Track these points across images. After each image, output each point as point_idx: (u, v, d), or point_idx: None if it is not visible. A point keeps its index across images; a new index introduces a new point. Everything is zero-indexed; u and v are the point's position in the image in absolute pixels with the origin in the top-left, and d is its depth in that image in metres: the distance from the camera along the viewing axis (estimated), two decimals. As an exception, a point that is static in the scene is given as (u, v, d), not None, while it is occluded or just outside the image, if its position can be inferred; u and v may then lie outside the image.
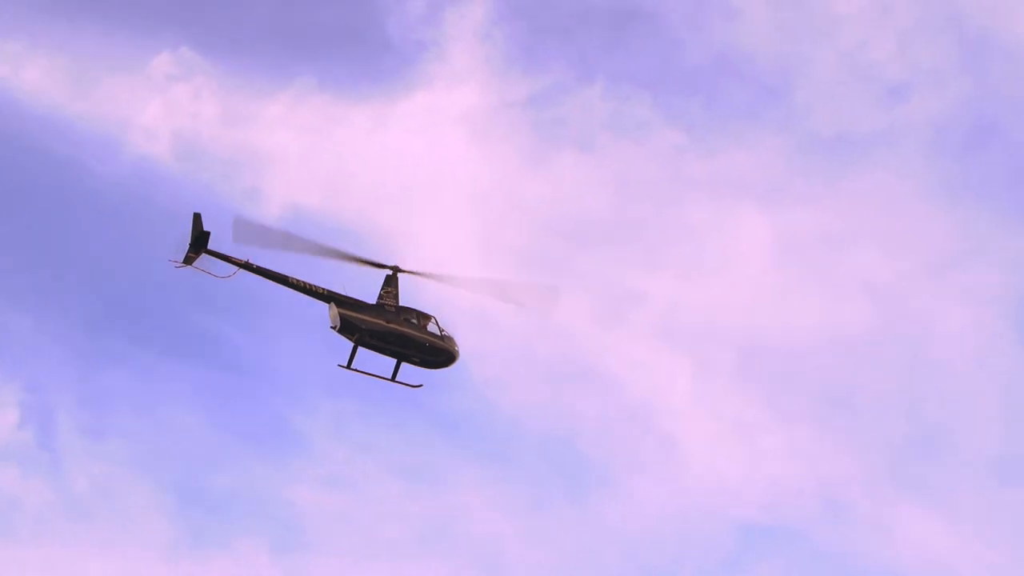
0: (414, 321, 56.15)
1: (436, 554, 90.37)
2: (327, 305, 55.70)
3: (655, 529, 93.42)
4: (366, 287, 57.64)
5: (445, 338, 56.73)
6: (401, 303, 57.64)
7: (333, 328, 55.44)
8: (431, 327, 56.47)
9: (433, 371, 57.71)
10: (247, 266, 54.14)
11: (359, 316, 55.21)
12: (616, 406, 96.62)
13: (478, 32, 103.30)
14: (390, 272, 56.91)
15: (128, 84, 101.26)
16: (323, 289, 55.40)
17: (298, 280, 55.16)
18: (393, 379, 56.80)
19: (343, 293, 56.02)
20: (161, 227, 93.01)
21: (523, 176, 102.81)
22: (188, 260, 53.96)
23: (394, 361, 57.11)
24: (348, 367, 55.93)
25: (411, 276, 57.54)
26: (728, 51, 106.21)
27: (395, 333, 55.59)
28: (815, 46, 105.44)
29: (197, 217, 53.99)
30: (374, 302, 56.33)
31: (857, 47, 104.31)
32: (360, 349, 56.25)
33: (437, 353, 56.61)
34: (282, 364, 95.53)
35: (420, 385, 57.44)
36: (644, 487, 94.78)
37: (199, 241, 53.55)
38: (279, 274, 54.71)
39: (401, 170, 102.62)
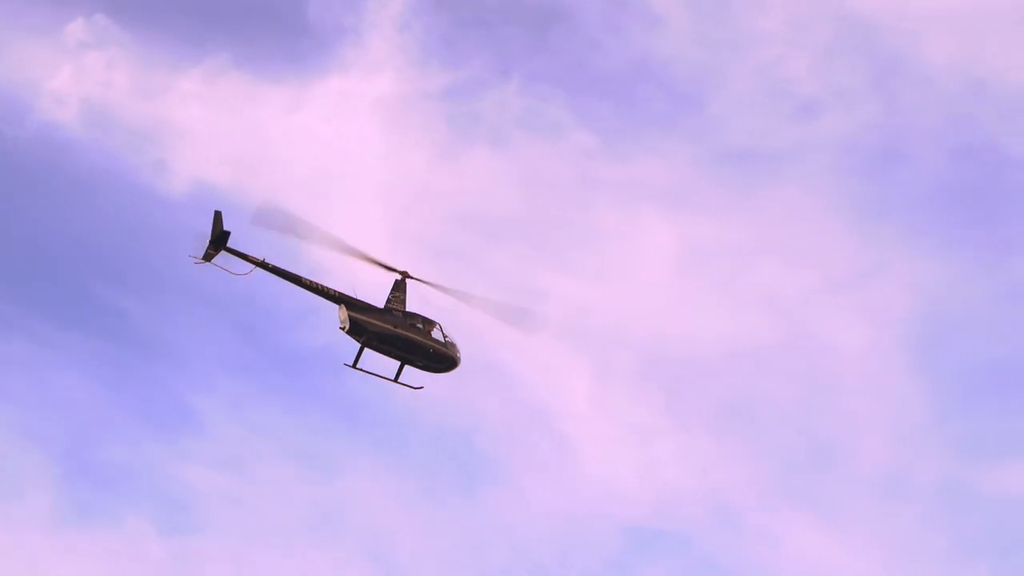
0: (420, 327, 58.06)
1: (325, 540, 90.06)
2: (337, 306, 57.51)
3: (545, 528, 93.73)
4: (376, 291, 59.60)
5: (448, 344, 58.73)
6: (408, 307, 59.64)
7: (342, 329, 57.22)
8: (435, 333, 58.43)
9: (434, 375, 59.70)
10: (263, 265, 55.59)
11: (367, 319, 56.96)
12: (515, 404, 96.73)
13: (398, 21, 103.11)
14: (399, 277, 58.74)
15: (40, 49, 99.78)
16: (335, 291, 57.01)
17: (311, 281, 56.79)
18: (396, 380, 58.69)
19: (353, 296, 57.69)
20: (65, 193, 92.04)
21: (434, 168, 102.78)
22: (207, 257, 55.31)
23: (398, 363, 58.99)
24: (354, 366, 57.71)
25: (421, 284, 59.53)
26: (646, 57, 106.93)
27: (401, 337, 57.46)
28: (732, 59, 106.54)
29: (218, 215, 55.33)
30: (383, 306, 58.16)
31: (773, 63, 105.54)
32: (366, 350, 58.17)
33: (440, 358, 58.63)
34: (182, 341, 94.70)
35: (421, 387, 59.39)
36: (537, 486, 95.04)
37: (219, 239, 54.92)
38: (293, 274, 56.26)
39: (312, 154, 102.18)
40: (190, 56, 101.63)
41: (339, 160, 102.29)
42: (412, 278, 58.95)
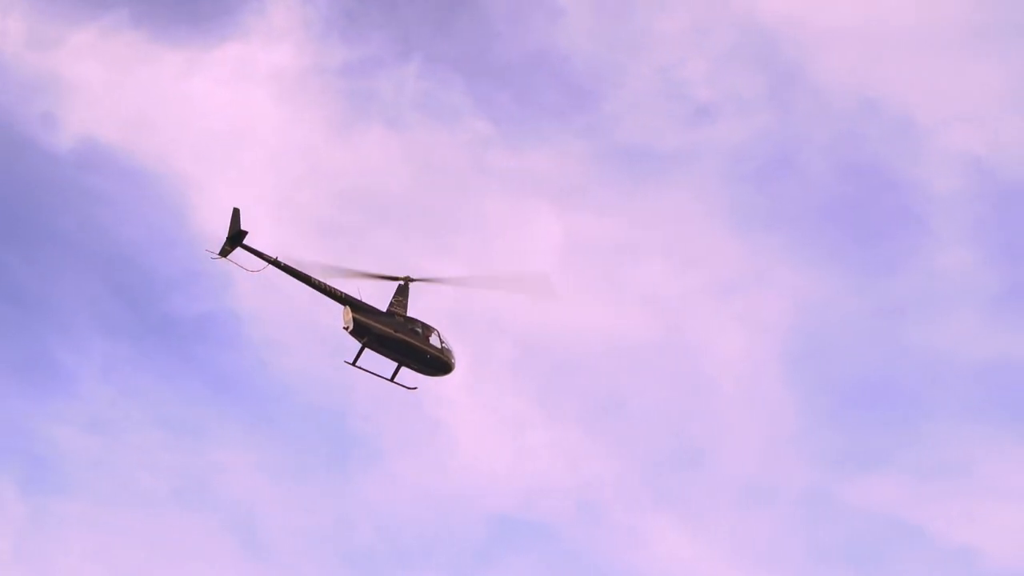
0: (419, 331, 60.40)
1: (190, 509, 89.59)
2: (342, 308, 59.48)
3: (412, 512, 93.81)
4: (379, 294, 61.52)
5: (444, 350, 61.05)
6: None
7: (346, 329, 59.25)
8: (433, 339, 60.81)
9: (428, 377, 62.00)
10: (275, 263, 57.45)
11: (370, 322, 59.09)
12: (390, 387, 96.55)
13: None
14: (402, 282, 61.07)
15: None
16: (342, 292, 59.12)
17: (320, 281, 58.59)
18: (392, 380, 60.98)
19: (358, 298, 59.74)
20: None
21: (327, 144, 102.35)
22: (224, 252, 56.95)
23: (395, 364, 61.20)
24: (353, 364, 59.97)
25: (423, 283, 61.84)
26: (547, 49, 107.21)
27: (400, 341, 59.80)
28: (631, 58, 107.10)
29: (236, 213, 56.83)
30: (385, 309, 60.25)
31: (672, 65, 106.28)
32: (366, 350, 60.31)
33: (435, 363, 60.97)
34: (58, 298, 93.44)
35: (415, 388, 61.82)
36: (408, 469, 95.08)
37: (236, 237, 56.63)
38: (303, 273, 58.12)
39: (205, 119, 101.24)
40: (88, 10, 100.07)
41: (231, 128, 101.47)
42: (415, 280, 61.24)
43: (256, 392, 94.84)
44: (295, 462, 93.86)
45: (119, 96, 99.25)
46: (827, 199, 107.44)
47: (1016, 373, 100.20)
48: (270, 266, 57.76)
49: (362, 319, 59.24)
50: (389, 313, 60.28)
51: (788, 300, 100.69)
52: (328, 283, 59.03)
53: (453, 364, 61.82)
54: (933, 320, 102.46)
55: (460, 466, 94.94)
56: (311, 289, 59.17)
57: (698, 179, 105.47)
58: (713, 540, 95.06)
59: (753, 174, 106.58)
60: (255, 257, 57.67)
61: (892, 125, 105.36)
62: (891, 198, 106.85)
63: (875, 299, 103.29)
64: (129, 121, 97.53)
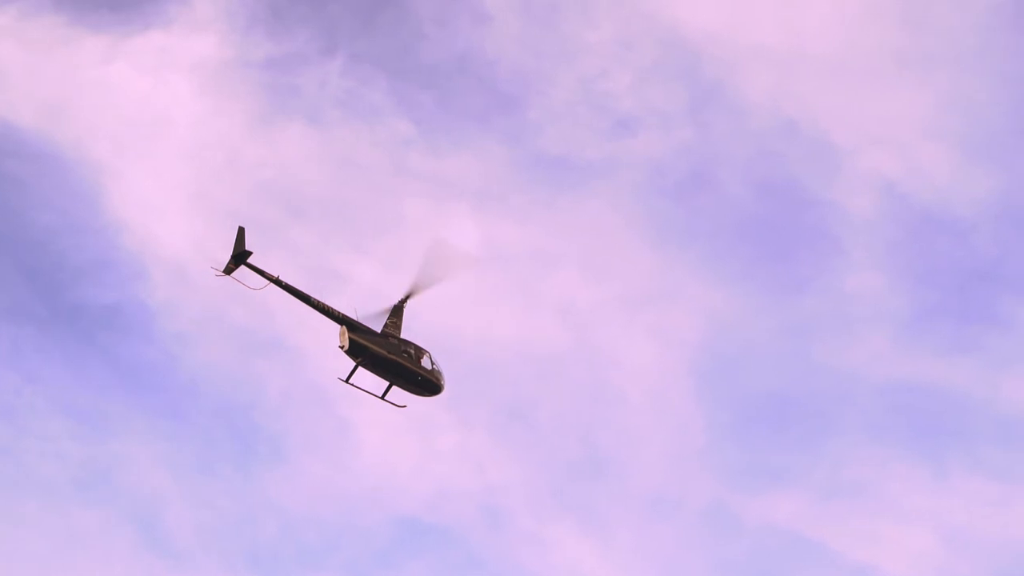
0: (411, 353, 62.27)
1: (92, 500, 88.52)
2: (339, 327, 60.99)
3: (317, 510, 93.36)
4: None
5: (434, 372, 62.93)
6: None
7: (341, 348, 60.80)
8: (424, 361, 62.70)
9: (417, 397, 63.79)
10: (277, 281, 59.07)
11: (365, 343, 60.85)
12: (300, 384, 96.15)
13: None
14: (397, 302, 63.16)
15: None
16: (340, 312, 60.70)
17: (319, 301, 60.23)
18: (382, 398, 62.77)
19: (355, 319, 61.24)
20: None
21: (247, 138, 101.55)
22: (228, 270, 58.52)
23: (386, 383, 62.85)
24: (346, 381, 61.62)
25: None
26: (472, 53, 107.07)
27: (393, 363, 61.62)
28: (556, 66, 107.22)
29: (241, 232, 58.59)
30: (380, 330, 62.00)
31: (596, 76, 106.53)
32: (359, 369, 61.91)
33: (425, 385, 62.84)
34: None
35: (404, 406, 63.49)
36: (314, 468, 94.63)
37: (240, 256, 58.19)
38: (303, 293, 59.81)
39: (124, 107, 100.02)
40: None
41: (150, 117, 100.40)
42: (407, 299, 63.33)
43: (164, 385, 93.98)
44: (200, 457, 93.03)
45: (36, 80, 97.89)
46: (743, 216, 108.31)
47: (919, 397, 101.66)
48: (271, 284, 59.37)
49: (358, 339, 60.95)
50: (383, 334, 62.17)
51: (700, 315, 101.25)
52: (327, 304, 60.63)
53: (442, 386, 63.70)
54: (842, 341, 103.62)
55: (366, 466, 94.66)
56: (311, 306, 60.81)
57: (616, 191, 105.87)
58: (616, 550, 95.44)
59: (671, 188, 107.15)
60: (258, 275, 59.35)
61: (810, 146, 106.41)
62: (806, 218, 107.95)
63: (786, 317, 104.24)
64: (46, 105, 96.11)
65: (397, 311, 63.15)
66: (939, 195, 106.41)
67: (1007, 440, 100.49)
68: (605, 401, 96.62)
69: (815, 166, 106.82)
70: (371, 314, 62.78)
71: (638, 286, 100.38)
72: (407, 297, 63.51)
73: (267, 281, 59.04)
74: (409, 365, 62.45)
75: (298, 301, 60.53)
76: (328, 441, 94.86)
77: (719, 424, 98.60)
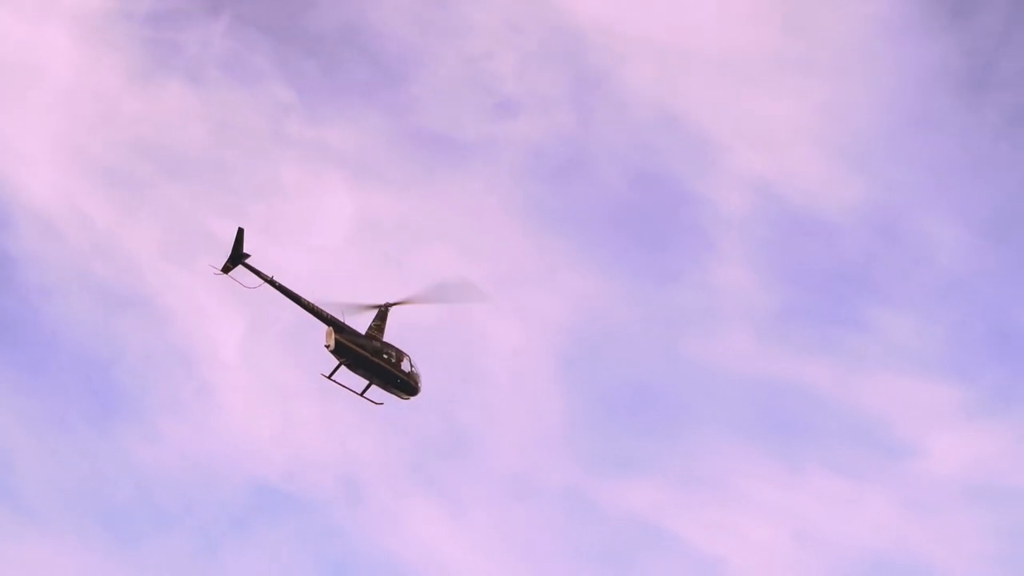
0: (392, 356, 65.16)
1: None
2: (326, 328, 63.87)
3: (174, 472, 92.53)
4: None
5: (412, 375, 65.88)
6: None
7: (327, 347, 63.71)
8: (404, 364, 65.60)
9: (394, 397, 66.63)
10: (271, 282, 62.01)
11: (350, 344, 63.78)
12: (162, 344, 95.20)
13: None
14: (382, 308, 65.92)
15: None
16: (328, 314, 63.67)
17: (309, 301, 63.22)
18: (361, 395, 65.68)
19: (342, 320, 64.20)
20: None
21: (125, 92, 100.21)
22: (226, 269, 61.47)
23: (366, 382, 65.75)
24: (328, 378, 64.79)
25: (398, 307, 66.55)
26: (359, 24, 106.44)
27: (374, 364, 64.54)
28: (442, 44, 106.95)
29: (240, 233, 61.27)
30: (365, 332, 64.93)
31: (481, 56, 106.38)
32: (342, 368, 64.85)
33: (404, 386, 65.80)
34: None
35: (382, 403, 66.34)
36: (173, 429, 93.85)
37: (238, 257, 61.22)
38: (295, 293, 62.81)
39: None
40: None
41: (26, 65, 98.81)
42: (393, 305, 66.07)
43: (24, 338, 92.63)
44: (57, 412, 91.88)
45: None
46: (618, 206, 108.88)
47: (778, 394, 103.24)
48: (265, 284, 62.05)
49: (343, 341, 63.66)
50: (368, 336, 64.87)
51: (569, 300, 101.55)
52: (317, 305, 63.34)
53: (420, 388, 66.48)
54: (707, 335, 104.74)
55: (226, 431, 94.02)
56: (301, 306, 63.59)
57: (495, 172, 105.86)
58: (471, 529, 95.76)
59: (548, 173, 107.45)
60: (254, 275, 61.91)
61: (688, 141, 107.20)
62: (680, 212, 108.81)
63: (654, 308, 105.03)
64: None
65: (382, 315, 65.92)
66: (810, 198, 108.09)
67: (860, 440, 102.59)
68: (470, 380, 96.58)
69: (692, 161, 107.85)
70: (355, 313, 65.49)
71: (510, 268, 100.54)
72: (393, 303, 66.26)
73: (262, 281, 61.92)
74: (389, 367, 65.17)
75: (292, 302, 63.54)
76: (188, 403, 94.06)
77: (581, 409, 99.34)
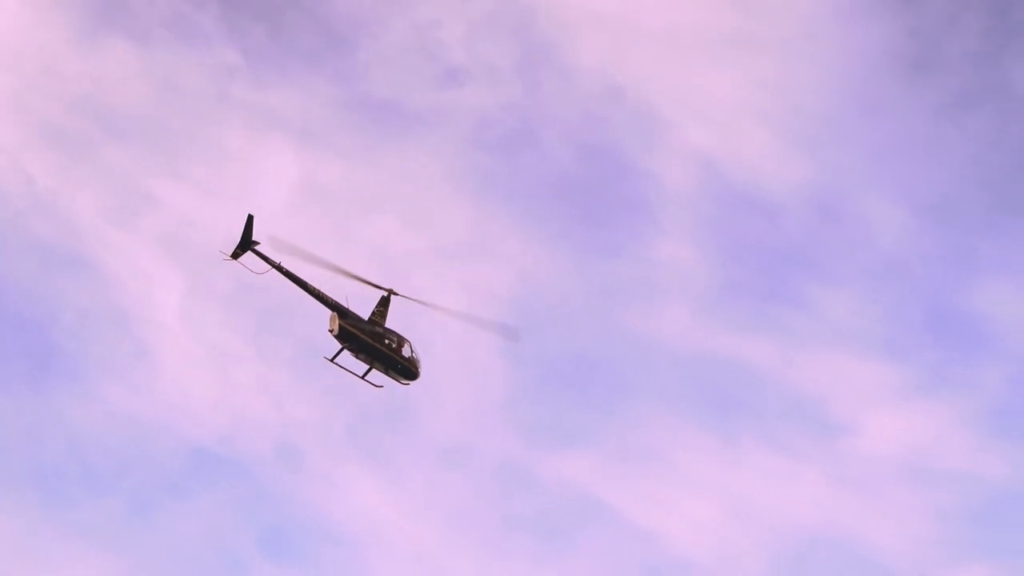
0: (394, 342, 66.83)
1: None
2: (330, 313, 65.50)
3: (110, 434, 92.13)
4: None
5: (412, 360, 67.63)
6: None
7: (331, 332, 65.46)
8: (405, 349, 67.35)
9: (393, 381, 68.31)
10: (279, 268, 63.74)
11: (353, 330, 65.43)
12: (101, 305, 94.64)
13: None
14: (385, 294, 67.04)
15: None
16: (332, 300, 65.30)
17: (314, 288, 64.94)
18: (362, 378, 67.39)
19: (346, 306, 65.93)
20: None
21: (69, 50, 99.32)
22: (235, 255, 62.93)
23: (367, 366, 67.47)
24: (331, 361, 66.38)
25: (403, 300, 67.56)
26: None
27: (376, 349, 66.21)
28: (390, 11, 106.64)
29: (250, 220, 62.69)
30: (368, 318, 66.50)
31: (429, 24, 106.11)
32: (345, 352, 66.58)
33: (404, 371, 67.60)
34: None
35: (381, 386, 67.99)
36: (111, 390, 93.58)
37: (247, 243, 62.75)
38: (301, 280, 64.46)
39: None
40: None
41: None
42: (397, 295, 67.03)
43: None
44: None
45: None
46: (564, 177, 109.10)
47: (716, 369, 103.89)
48: (273, 269, 63.65)
49: (347, 326, 65.38)
50: (371, 322, 66.57)
51: (513, 271, 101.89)
52: (322, 291, 65.07)
53: (419, 373, 68.17)
54: (648, 309, 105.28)
55: (163, 394, 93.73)
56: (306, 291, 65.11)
57: (440, 141, 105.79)
58: (409, 497, 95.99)
59: (495, 143, 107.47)
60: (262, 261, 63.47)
61: (635, 115, 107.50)
62: (625, 185, 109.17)
63: (596, 281, 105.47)
64: None
65: (384, 302, 67.09)
66: (754, 176, 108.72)
67: (797, 417, 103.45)
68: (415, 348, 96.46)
69: (638, 135, 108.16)
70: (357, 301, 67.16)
71: (454, 238, 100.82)
72: (393, 291, 67.13)
73: (270, 267, 63.53)
74: (390, 353, 66.80)
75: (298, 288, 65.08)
76: (125, 365, 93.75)
77: (522, 381, 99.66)
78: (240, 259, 63.10)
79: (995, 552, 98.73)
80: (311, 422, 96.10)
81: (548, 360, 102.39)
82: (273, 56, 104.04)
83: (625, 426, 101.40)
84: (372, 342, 66.06)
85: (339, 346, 65.88)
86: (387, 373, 67.42)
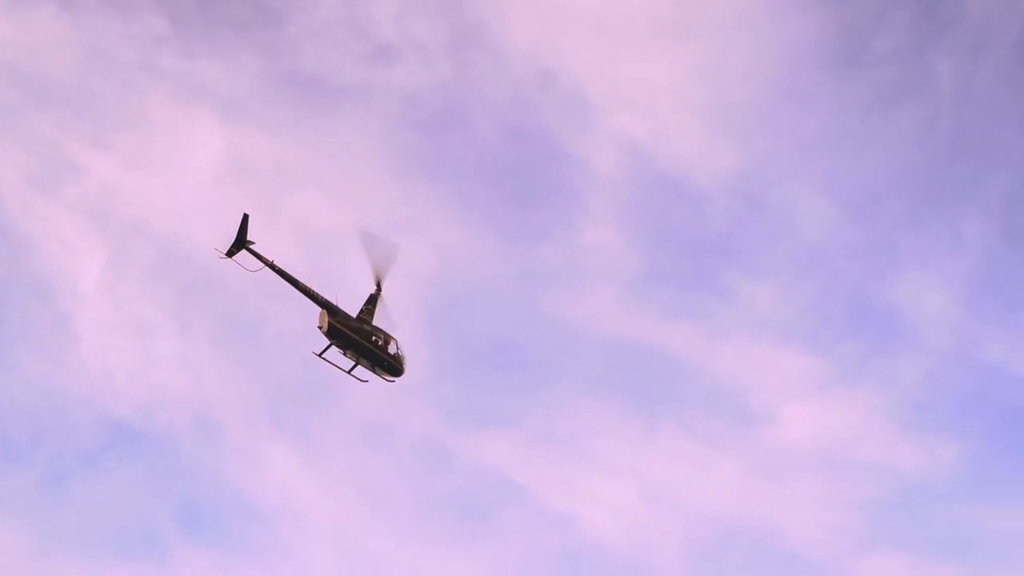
0: (380, 340, 68.46)
1: None
2: (320, 310, 66.69)
3: (25, 403, 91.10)
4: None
5: (397, 357, 69.17)
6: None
7: (320, 328, 66.77)
8: (391, 347, 68.89)
9: (378, 377, 69.74)
10: (272, 266, 65.06)
11: (341, 327, 66.92)
12: (20, 272, 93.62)
13: None
14: (374, 291, 68.66)
15: None
16: (323, 297, 66.72)
17: (305, 285, 66.35)
18: (349, 372, 68.76)
19: (335, 303, 67.27)
20: None
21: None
22: (230, 253, 64.40)
23: (353, 361, 68.92)
24: (319, 356, 67.71)
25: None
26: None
27: (363, 346, 67.79)
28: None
29: (245, 219, 64.26)
30: (356, 315, 68.01)
31: (361, 1, 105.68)
32: (332, 347, 68.04)
33: (389, 368, 69.07)
34: None
35: (367, 381, 69.36)
36: (27, 359, 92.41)
37: (242, 242, 64.40)
38: (292, 277, 65.89)
39: None
40: None
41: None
42: (380, 294, 68.74)
43: None
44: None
45: None
46: (492, 160, 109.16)
47: (637, 356, 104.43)
48: (266, 268, 64.98)
49: (335, 323, 66.90)
50: (359, 319, 68.16)
51: (436, 251, 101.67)
52: (313, 288, 66.36)
53: (403, 369, 69.61)
54: (573, 293, 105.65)
55: (80, 363, 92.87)
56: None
57: (369, 119, 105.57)
58: (327, 475, 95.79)
59: (423, 122, 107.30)
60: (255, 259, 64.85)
61: (564, 99, 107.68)
62: (552, 169, 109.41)
63: (521, 264, 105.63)
64: None
65: (372, 299, 68.78)
66: (681, 163, 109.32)
67: (715, 406, 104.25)
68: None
69: (567, 119, 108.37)
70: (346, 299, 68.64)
71: (378, 215, 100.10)
72: (379, 288, 68.87)
73: (263, 264, 64.84)
74: (376, 350, 68.41)
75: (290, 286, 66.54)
76: (43, 334, 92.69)
77: (442, 361, 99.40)
78: (235, 257, 64.56)
79: (906, 542, 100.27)
80: (231, 397, 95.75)
81: (470, 342, 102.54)
82: (202, 27, 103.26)
83: (546, 410, 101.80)
84: (359, 339, 67.69)
85: (327, 342, 67.23)
86: (373, 370, 68.98)
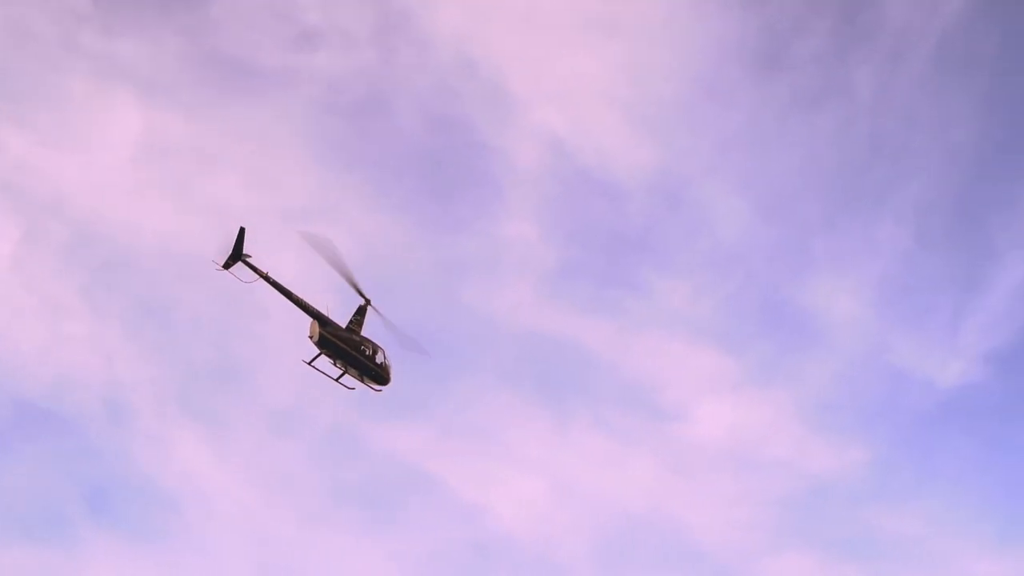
0: (368, 350, 70.69)
1: None
2: (311, 320, 68.71)
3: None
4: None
5: (384, 367, 71.50)
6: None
7: (311, 339, 68.92)
8: (378, 356, 71.16)
9: (365, 386, 71.90)
10: (266, 278, 66.79)
11: (331, 338, 69.12)
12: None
13: None
14: (363, 303, 70.72)
15: None
16: (314, 308, 68.79)
17: (298, 297, 68.18)
18: (337, 380, 70.73)
19: (326, 315, 69.28)
20: None
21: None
22: (226, 265, 65.89)
23: (342, 370, 70.90)
24: (309, 364, 69.77)
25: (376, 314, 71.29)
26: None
27: (351, 356, 70.03)
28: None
29: (241, 232, 65.73)
30: (345, 326, 70.08)
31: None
32: (322, 357, 70.01)
33: (376, 378, 71.44)
34: None
35: (354, 388, 71.43)
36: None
37: (238, 255, 65.80)
38: (286, 289, 67.74)
39: None
40: None
41: None
42: (372, 308, 70.75)
43: None
44: None
45: None
46: (414, 148, 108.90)
47: (552, 350, 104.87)
48: (260, 279, 66.45)
49: (326, 334, 68.99)
50: (348, 330, 70.18)
51: (355, 239, 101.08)
52: (304, 300, 68.17)
53: (390, 379, 71.94)
54: (489, 285, 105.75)
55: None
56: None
57: (291, 104, 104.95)
58: (236, 461, 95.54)
59: (345, 109, 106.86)
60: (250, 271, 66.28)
61: (487, 90, 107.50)
62: (473, 160, 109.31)
63: (439, 254, 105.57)
64: None
65: (361, 311, 70.80)
66: (602, 159, 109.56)
67: (628, 401, 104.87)
68: (245, 312, 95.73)
69: (490, 110, 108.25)
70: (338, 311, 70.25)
71: (297, 201, 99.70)
72: (366, 299, 70.70)
73: (257, 276, 66.45)
74: (365, 360, 70.58)
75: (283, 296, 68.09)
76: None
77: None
78: (231, 269, 65.99)
79: (812, 540, 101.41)
80: (142, 380, 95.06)
81: (386, 330, 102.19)
82: (124, 5, 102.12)
83: (458, 401, 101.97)
84: (349, 349, 69.93)
85: (316, 351, 69.15)
86: (360, 379, 71.11)
